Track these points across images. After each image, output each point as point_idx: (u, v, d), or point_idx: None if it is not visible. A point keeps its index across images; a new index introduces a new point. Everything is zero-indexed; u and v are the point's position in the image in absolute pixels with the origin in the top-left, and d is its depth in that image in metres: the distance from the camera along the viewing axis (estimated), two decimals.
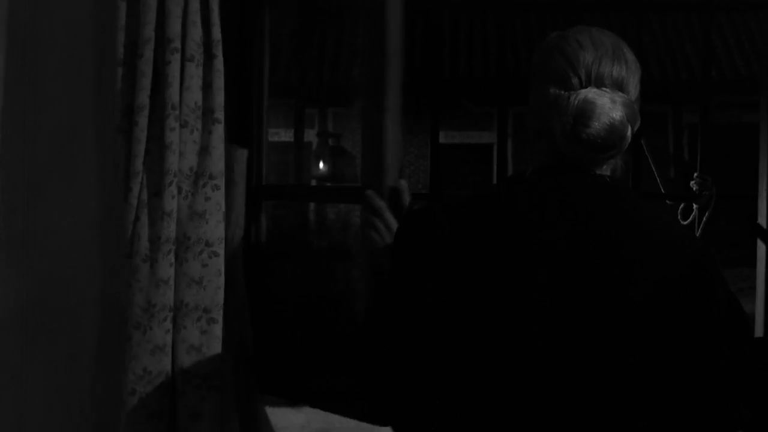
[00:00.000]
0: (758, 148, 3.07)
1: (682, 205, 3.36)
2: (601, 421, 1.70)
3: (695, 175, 3.29)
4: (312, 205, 20.20)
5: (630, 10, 3.55)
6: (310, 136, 18.79)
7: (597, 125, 1.73)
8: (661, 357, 1.71)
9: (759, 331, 3.02)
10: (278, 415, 3.16)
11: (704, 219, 3.26)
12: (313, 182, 18.77)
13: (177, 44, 2.57)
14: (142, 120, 2.57)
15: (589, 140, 1.74)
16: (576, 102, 1.75)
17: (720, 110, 16.57)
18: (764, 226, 3.00)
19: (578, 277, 1.71)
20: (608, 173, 1.85)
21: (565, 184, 1.79)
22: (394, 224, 2.14)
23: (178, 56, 2.58)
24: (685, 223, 3.32)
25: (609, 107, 1.74)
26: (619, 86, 1.80)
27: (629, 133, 1.78)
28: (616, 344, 1.70)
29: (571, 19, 3.22)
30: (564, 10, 14.23)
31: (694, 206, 3.30)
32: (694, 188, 3.28)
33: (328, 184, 16.37)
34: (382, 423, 1.91)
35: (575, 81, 1.79)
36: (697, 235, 3.27)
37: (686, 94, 17.34)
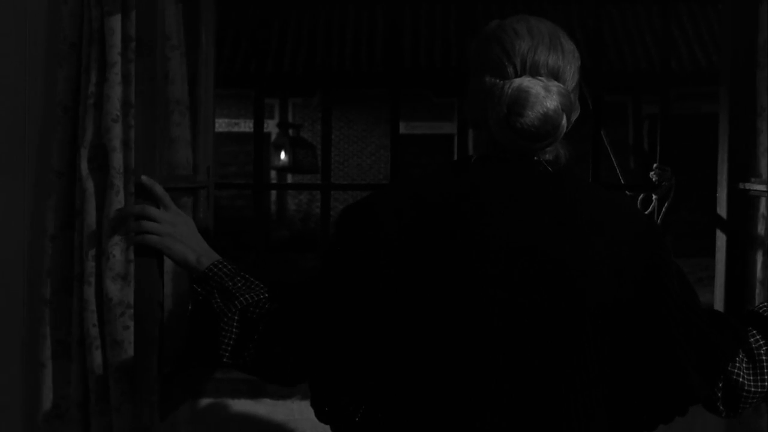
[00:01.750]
0: (717, 139, 3.08)
1: (641, 196, 3.37)
2: (560, 408, 1.70)
3: (654, 165, 3.30)
4: (273, 196, 20.26)
5: (590, 1, 3.56)
6: (271, 126, 18.77)
7: (531, 114, 1.72)
8: (618, 339, 1.72)
9: None
10: (239, 407, 3.14)
11: (663, 209, 3.28)
12: (273, 173, 18.79)
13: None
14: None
15: (522, 129, 1.73)
16: (510, 90, 1.74)
17: (679, 101, 16.67)
18: (724, 216, 3.01)
19: (524, 266, 1.71)
20: (551, 159, 1.84)
21: (505, 173, 1.79)
22: (166, 216, 2.15)
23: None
24: (645, 213, 3.34)
25: (543, 96, 1.73)
26: (555, 75, 1.78)
27: (564, 121, 1.76)
28: (571, 330, 1.69)
29: (533, 10, 3.25)
30: (526, 1, 14.28)
31: (654, 197, 3.32)
32: (654, 179, 3.30)
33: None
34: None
35: (510, 70, 1.78)
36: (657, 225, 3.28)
37: (646, 84, 17.44)
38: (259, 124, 3.39)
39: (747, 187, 2.93)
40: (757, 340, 1.87)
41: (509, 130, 1.74)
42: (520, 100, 1.73)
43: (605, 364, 1.72)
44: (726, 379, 1.83)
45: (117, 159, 2.50)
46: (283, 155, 17.51)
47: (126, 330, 2.51)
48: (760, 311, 1.93)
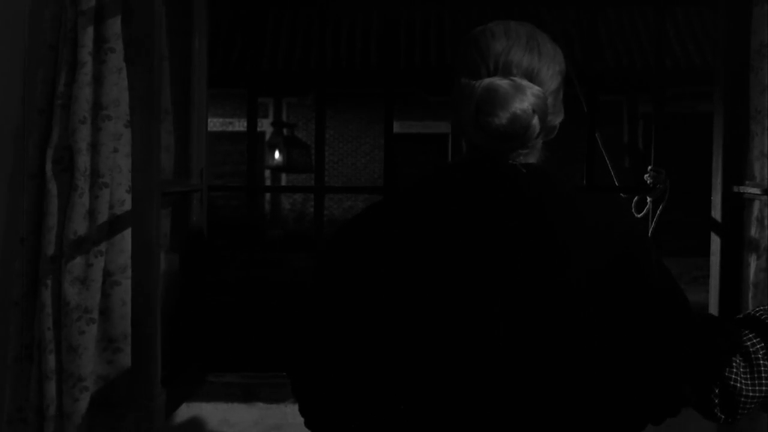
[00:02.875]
0: (712, 138, 3.07)
1: (636, 198, 3.37)
2: (542, 406, 1.69)
3: (649, 168, 3.29)
4: (267, 195, 20.25)
5: (585, 3, 3.55)
6: (265, 125, 18.75)
7: (498, 113, 1.69)
8: (600, 339, 1.69)
9: None
10: (230, 411, 3.13)
11: (658, 211, 3.27)
12: (267, 172, 18.76)
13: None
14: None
15: (490, 128, 1.71)
16: (479, 90, 1.72)
17: (675, 100, 16.66)
18: (718, 219, 3.01)
19: (497, 276, 1.69)
20: (531, 162, 1.81)
21: (476, 180, 1.77)
22: None
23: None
24: (639, 215, 3.33)
25: (512, 95, 1.70)
26: (529, 76, 1.76)
27: (536, 122, 1.72)
28: (554, 332, 1.67)
29: (527, 12, 3.24)
30: (521, 3, 14.28)
31: (648, 199, 3.31)
32: (648, 181, 3.29)
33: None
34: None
35: (483, 70, 1.76)
36: (651, 227, 3.27)
37: (641, 83, 17.43)
38: (252, 125, 3.37)
39: (741, 191, 2.93)
40: (754, 344, 1.84)
41: (479, 129, 1.72)
42: (488, 99, 1.70)
43: (591, 366, 1.71)
44: (723, 385, 1.81)
45: (83, 161, 2.48)
46: (277, 154, 17.48)
47: (82, 335, 2.49)
48: (758, 315, 1.91)
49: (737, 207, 2.96)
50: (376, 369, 1.74)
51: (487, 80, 1.73)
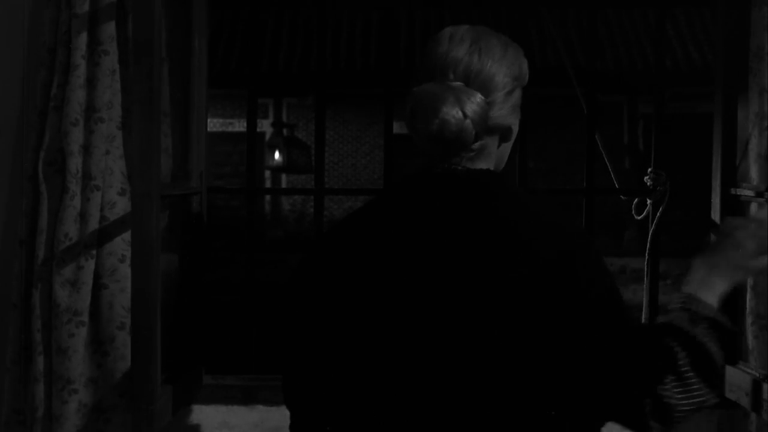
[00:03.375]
0: (712, 139, 3.07)
1: (636, 200, 3.36)
2: (488, 418, 1.68)
3: (649, 170, 3.29)
4: (267, 196, 20.26)
5: (585, 3, 3.55)
6: (265, 126, 18.76)
7: (428, 118, 1.71)
8: (538, 349, 1.66)
9: None
10: (230, 414, 3.13)
11: (658, 214, 3.27)
12: (267, 173, 18.78)
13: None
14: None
15: (423, 133, 1.74)
16: (414, 95, 1.75)
17: (675, 100, 16.65)
18: (717, 221, 3.01)
19: (433, 289, 1.69)
20: (482, 166, 1.80)
21: (418, 184, 1.79)
22: None
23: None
24: (639, 218, 3.32)
25: (440, 99, 1.71)
26: (467, 79, 1.75)
27: (468, 126, 1.72)
28: (491, 341, 1.65)
29: (527, 13, 3.23)
30: (520, 3, 14.27)
31: (648, 201, 3.30)
32: (648, 183, 3.28)
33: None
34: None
35: (424, 76, 1.78)
36: (651, 229, 3.27)
37: (641, 84, 17.42)
38: (252, 126, 3.37)
39: (738, 193, 2.93)
40: (680, 356, 1.75)
41: (414, 134, 1.76)
42: (419, 104, 1.73)
43: (532, 374, 1.67)
44: (656, 400, 1.72)
45: (74, 163, 2.48)
46: (277, 155, 17.50)
47: (72, 338, 2.50)
48: (681, 324, 1.80)
49: (735, 209, 2.96)
50: (351, 374, 1.75)
51: (422, 86, 1.75)
